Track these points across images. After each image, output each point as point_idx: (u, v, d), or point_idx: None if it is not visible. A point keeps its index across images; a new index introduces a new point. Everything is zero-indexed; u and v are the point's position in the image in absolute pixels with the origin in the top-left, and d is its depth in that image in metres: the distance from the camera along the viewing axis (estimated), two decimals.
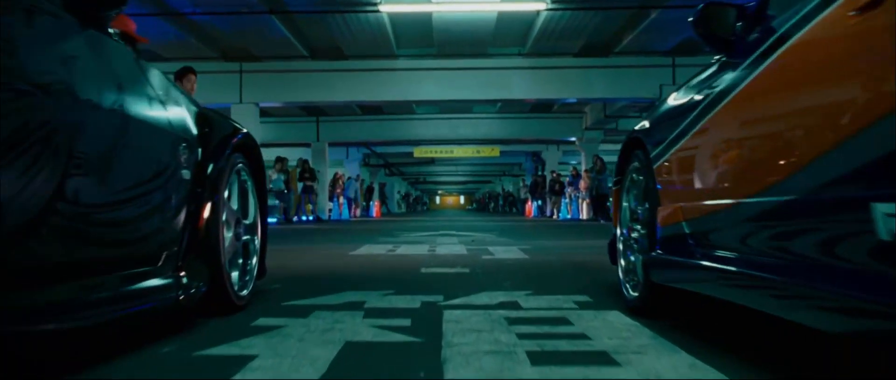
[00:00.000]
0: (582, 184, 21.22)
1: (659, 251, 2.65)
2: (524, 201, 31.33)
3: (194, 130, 2.76)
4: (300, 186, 19.70)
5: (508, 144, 26.94)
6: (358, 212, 28.57)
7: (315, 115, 21.81)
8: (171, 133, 2.51)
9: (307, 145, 23.87)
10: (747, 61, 2.03)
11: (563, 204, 22.57)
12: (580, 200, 21.88)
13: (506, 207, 44.24)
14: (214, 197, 2.74)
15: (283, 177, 18.25)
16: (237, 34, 14.06)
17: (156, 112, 2.42)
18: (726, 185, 2.09)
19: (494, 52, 15.82)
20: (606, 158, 29.16)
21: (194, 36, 14.08)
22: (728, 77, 2.14)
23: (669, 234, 2.56)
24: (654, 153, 2.78)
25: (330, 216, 20.93)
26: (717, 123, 2.18)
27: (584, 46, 15.01)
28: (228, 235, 2.95)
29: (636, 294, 2.97)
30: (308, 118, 22.39)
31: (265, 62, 15.24)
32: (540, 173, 33.71)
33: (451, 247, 7.69)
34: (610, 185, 18.59)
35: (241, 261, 3.14)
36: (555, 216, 24.33)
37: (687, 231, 2.40)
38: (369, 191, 30.23)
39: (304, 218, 19.91)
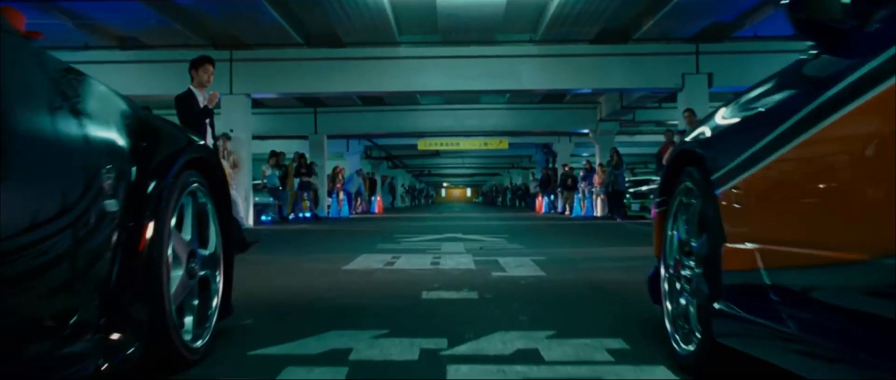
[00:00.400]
0: (596, 179, 20.70)
1: (726, 303, 2.11)
2: (534, 196, 30.78)
3: (127, 145, 2.24)
4: (297, 181, 19.21)
5: (518, 135, 26.46)
6: (362, 207, 28.09)
7: (313, 106, 21.34)
8: (87, 151, 1.98)
9: (304, 138, 23.43)
10: (873, 61, 1.49)
11: (576, 200, 22.04)
12: (594, 196, 21.36)
13: (515, 202, 43.71)
14: (157, 226, 2.23)
15: (278, 172, 17.77)
16: (226, 20, 13.59)
17: (64, 124, 1.89)
18: (841, 230, 1.55)
19: (504, 40, 15.41)
20: (622, 151, 28.80)
21: (180, 22, 13.59)
22: (843, 79, 1.59)
23: (741, 282, 2.04)
24: (718, 174, 2.24)
25: (328, 213, 20.40)
26: (825, 142, 1.64)
27: (601, 32, 14.50)
28: (178, 273, 2.46)
29: (690, 349, 2.45)
30: (305, 109, 21.91)
31: (257, 50, 14.74)
32: (551, 166, 33.26)
33: (457, 258, 7.17)
34: (627, 181, 18.43)
35: (197, 302, 2.64)
36: (567, 212, 23.86)
37: (768, 282, 1.88)
38: (371, 184, 29.70)
39: (301, 215, 19.42)
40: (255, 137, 19.49)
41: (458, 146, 27.79)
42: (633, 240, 10.09)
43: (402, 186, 48.80)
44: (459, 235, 10.96)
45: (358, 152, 30.40)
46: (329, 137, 24.34)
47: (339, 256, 7.47)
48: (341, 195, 23.46)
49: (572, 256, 7.43)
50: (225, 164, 13.70)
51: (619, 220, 17.38)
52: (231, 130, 14.86)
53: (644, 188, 20.12)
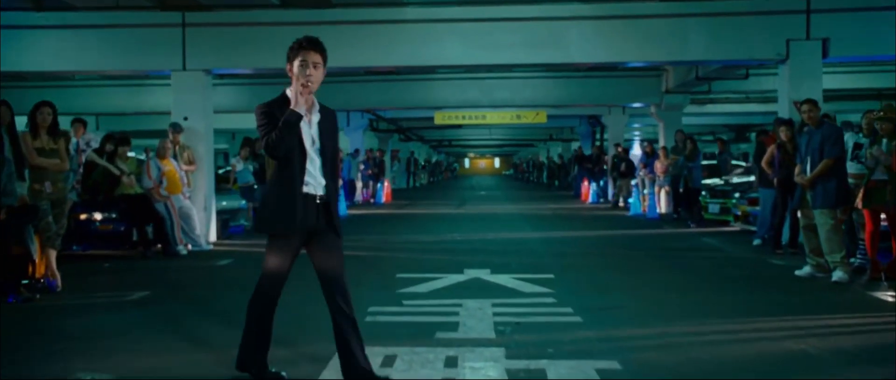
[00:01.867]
0: (658, 166, 19.02)
1: None
2: (579, 178, 29.15)
3: None
4: None
5: (559, 108, 25.14)
6: (366, 195, 26.78)
7: None
8: None
9: None
10: None
11: (634, 193, 20.28)
12: (657, 188, 19.62)
13: (553, 181, 42.09)
14: None
15: (252, 166, 16.15)
16: None
17: None
18: None
19: None
20: (688, 123, 27.37)
21: None
22: None
23: None
24: None
25: None
26: None
27: None
28: None
29: None
30: (289, 80, 20.18)
31: (219, 12, 13.33)
32: (598, 142, 31.59)
33: (482, 356, 5.30)
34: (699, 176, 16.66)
35: None
36: (621, 204, 22.21)
37: None
38: (378, 166, 28.13)
39: None
40: (219, 111, 18.03)
41: (484, 120, 26.49)
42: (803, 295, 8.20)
43: (415, 159, 47.17)
44: (485, 277, 9.12)
45: (361, 127, 29.21)
46: None
47: (286, 331, 5.63)
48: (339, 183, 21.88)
49: (697, 338, 5.51)
50: (175, 164, 12.01)
51: (692, 226, 15.68)
52: (185, 118, 13.24)
53: (727, 180, 18.23)
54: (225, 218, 14.50)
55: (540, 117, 25.98)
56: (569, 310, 7.30)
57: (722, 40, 12.89)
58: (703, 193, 16.64)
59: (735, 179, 18.26)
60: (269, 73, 18.21)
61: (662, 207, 19.95)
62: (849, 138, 9.77)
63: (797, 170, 9.36)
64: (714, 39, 12.89)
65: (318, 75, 4.59)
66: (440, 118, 25.87)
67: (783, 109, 12.61)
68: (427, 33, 13.18)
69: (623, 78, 20.70)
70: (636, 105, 22.56)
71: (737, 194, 15.37)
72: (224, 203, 14.84)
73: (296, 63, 4.56)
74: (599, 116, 28.76)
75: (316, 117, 4.67)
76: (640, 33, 12.96)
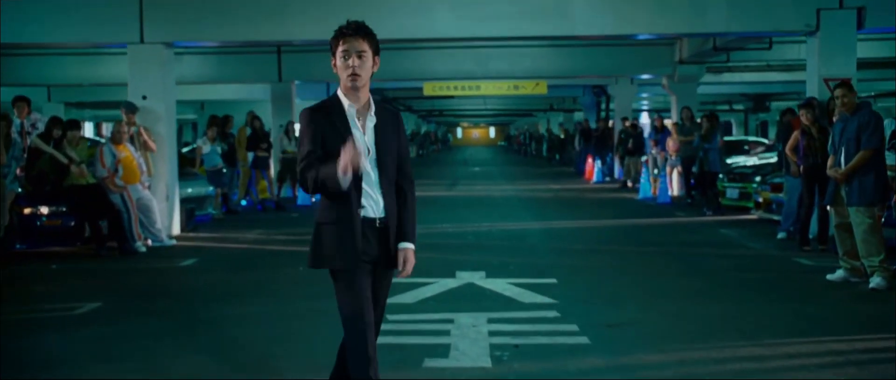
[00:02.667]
0: (671, 144, 18.79)
1: None
2: (583, 154, 28.94)
3: None
4: (251, 157, 17.37)
5: (561, 79, 25.00)
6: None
7: (276, 44, 19.35)
8: None
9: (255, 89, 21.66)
10: None
11: (644, 173, 20.04)
12: (669, 169, 19.40)
13: (553, 155, 41.86)
14: None
15: (220, 148, 15.86)
16: None
17: None
18: None
19: None
20: (703, 92, 27.12)
21: None
22: None
23: None
24: None
25: (296, 200, 18.55)
26: None
27: None
28: None
29: None
30: (265, 49, 19.98)
31: None
32: (603, 114, 31.34)
33: None
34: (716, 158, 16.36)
35: None
36: (629, 185, 21.98)
37: None
38: None
39: (247, 203, 17.55)
40: (182, 82, 17.73)
41: (479, 91, 26.31)
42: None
43: (414, 132, 46.89)
44: (480, 281, 8.82)
45: None
46: (299, 83, 23.20)
47: None
48: None
49: None
50: (131, 148, 11.70)
51: (708, 214, 15.46)
52: (144, 97, 12.94)
53: (747, 161, 18.00)
54: (190, 207, 14.19)
55: (540, 88, 25.63)
56: (574, 328, 7.04)
57: (744, 10, 12.54)
58: (720, 175, 16.38)
59: (756, 160, 18.01)
60: (237, 43, 17.96)
61: (675, 189, 19.70)
62: (888, 125, 9.47)
63: (830, 162, 9.06)
64: (735, 8, 12.54)
65: (366, 66, 4.11)
66: (430, 89, 25.53)
67: (811, 87, 12.30)
68: (415, 2, 12.81)
69: (632, 47, 20.39)
70: (646, 77, 22.22)
71: (758, 178, 15.11)
72: (189, 190, 14.52)
73: (337, 55, 4.12)
74: (605, 85, 28.55)
75: (371, 121, 4.17)
76: (654, 2, 12.63)
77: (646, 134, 23.31)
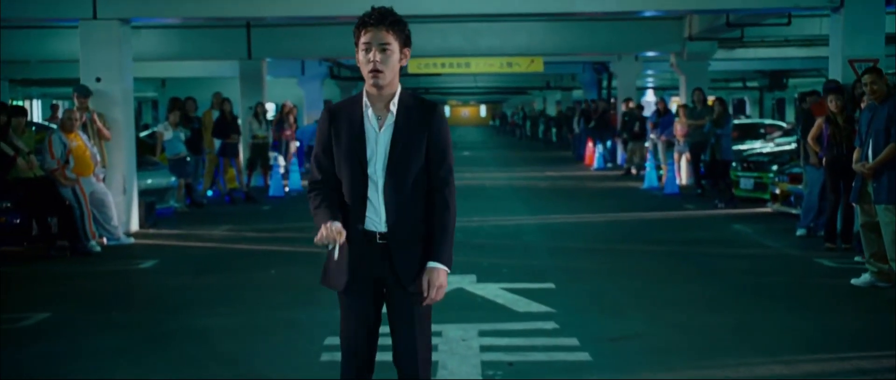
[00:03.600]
0: (678, 128, 18.80)
1: None
2: (583, 137, 28.95)
3: None
4: (217, 143, 17.29)
5: (559, 56, 25.21)
6: None
7: (245, 19, 19.25)
8: None
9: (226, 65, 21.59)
10: None
11: (649, 161, 20.00)
12: (676, 156, 19.39)
13: (549, 137, 41.92)
14: None
15: (183, 134, 15.77)
16: None
17: None
18: None
19: None
20: (715, 69, 27.03)
21: None
22: None
23: None
24: None
25: (268, 190, 18.47)
26: None
27: None
28: None
29: None
30: (233, 24, 19.90)
31: None
32: (604, 92, 31.36)
33: None
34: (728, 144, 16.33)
35: None
36: (633, 172, 21.98)
37: None
38: None
39: (213, 194, 17.70)
40: (140, 59, 17.63)
41: (468, 69, 26.30)
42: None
43: None
44: (470, 286, 8.77)
45: (319, 76, 29.08)
46: (271, 61, 23.25)
47: None
48: (292, 150, 21.56)
49: None
50: (84, 137, 11.60)
51: (720, 206, 15.47)
52: (98, 80, 12.85)
53: (763, 147, 17.97)
54: (150, 200, 14.11)
55: (535, 65, 25.58)
56: (574, 341, 7.00)
57: None
58: (733, 164, 16.36)
59: (772, 147, 18.00)
60: (198, 18, 17.85)
61: (683, 178, 19.67)
62: None
63: (856, 155, 9.01)
64: None
65: (390, 62, 3.94)
66: (414, 67, 25.44)
67: (835, 69, 12.27)
68: None
69: (636, 21, 20.39)
70: (651, 54, 22.19)
71: (774, 167, 15.09)
72: (149, 181, 14.47)
73: (359, 47, 3.97)
74: (607, 62, 28.52)
75: (389, 120, 3.99)
76: None
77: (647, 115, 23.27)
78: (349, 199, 4.00)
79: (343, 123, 4.01)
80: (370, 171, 3.98)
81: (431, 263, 4.02)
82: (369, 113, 4.00)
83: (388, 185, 3.98)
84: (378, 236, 4.01)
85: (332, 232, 3.89)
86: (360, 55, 3.97)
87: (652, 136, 20.89)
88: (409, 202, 4.01)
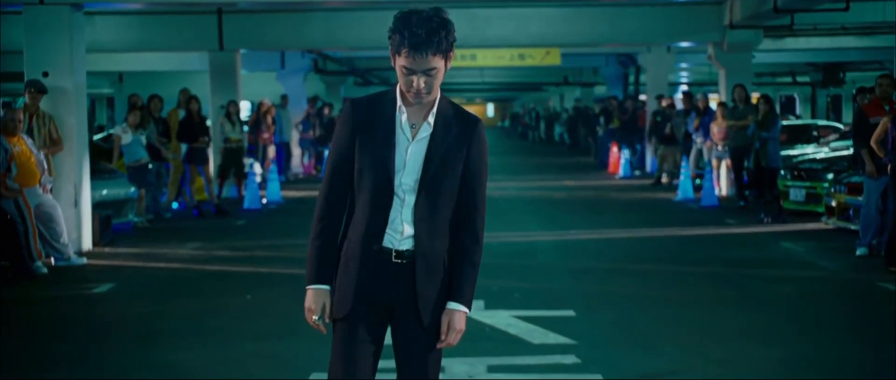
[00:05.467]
0: (715, 130, 18.87)
1: None
2: (606, 140, 29.12)
3: None
4: (184, 148, 17.36)
5: (579, 47, 25.70)
6: (310, 166, 26.91)
7: (216, 4, 19.36)
8: None
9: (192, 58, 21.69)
10: None
11: (683, 167, 20.03)
12: (715, 162, 19.44)
13: (568, 141, 42.13)
14: None
15: (144, 137, 15.86)
16: None
17: None
18: None
19: None
20: (761, 61, 27.06)
21: None
22: None
23: None
24: None
25: (243, 202, 18.53)
26: None
27: None
28: None
29: None
30: (202, 8, 19.94)
31: None
32: (631, 90, 31.48)
33: None
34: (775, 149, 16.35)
35: None
36: (665, 181, 22.05)
37: None
38: (328, 126, 27.91)
39: (179, 207, 17.79)
40: (94, 49, 17.70)
41: (474, 62, 26.49)
42: None
43: None
44: (478, 314, 8.80)
45: (302, 70, 29.31)
46: (245, 53, 23.50)
47: None
48: (270, 158, 21.69)
49: None
50: (29, 142, 11.64)
51: (766, 220, 15.54)
52: (45, 74, 12.91)
53: (816, 153, 17.97)
54: (106, 214, 14.15)
55: (551, 58, 25.76)
56: (598, 379, 6.98)
57: None
58: (782, 171, 16.39)
59: (827, 152, 18.01)
60: (162, 3, 17.97)
61: (723, 188, 19.69)
62: None
63: None
64: None
65: (435, 84, 3.88)
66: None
67: None
68: None
69: (669, 7, 20.56)
70: (686, 45, 22.26)
71: (830, 176, 15.09)
72: (104, 192, 14.60)
73: (397, 63, 3.87)
74: (635, 54, 28.61)
75: (425, 130, 3.97)
76: None
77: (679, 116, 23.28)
78: (368, 211, 3.95)
79: (370, 122, 3.96)
80: (396, 184, 3.94)
81: (452, 305, 4.00)
82: (403, 118, 3.95)
83: (418, 205, 3.95)
84: (394, 254, 3.97)
85: (313, 323, 3.97)
86: (399, 73, 3.89)
87: (697, 140, 20.83)
88: (438, 226, 3.99)
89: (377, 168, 3.92)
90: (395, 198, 3.94)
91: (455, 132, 3.97)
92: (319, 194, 4.02)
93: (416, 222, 3.94)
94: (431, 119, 3.95)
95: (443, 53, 3.84)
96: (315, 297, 3.97)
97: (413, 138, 3.95)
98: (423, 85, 3.84)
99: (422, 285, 3.96)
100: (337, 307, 4.00)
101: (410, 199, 3.94)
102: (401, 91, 3.95)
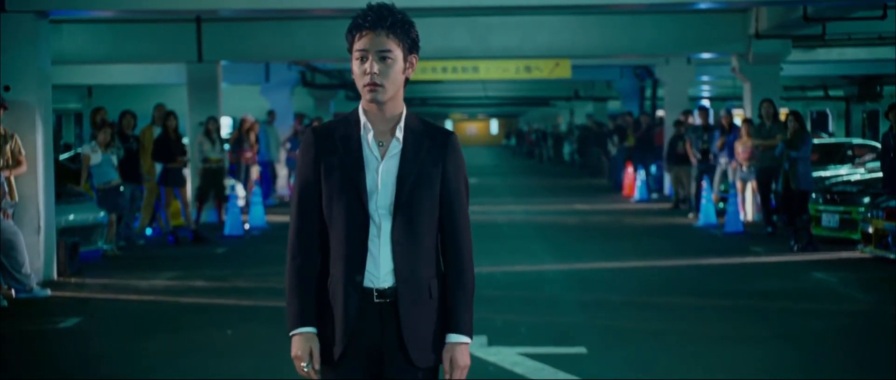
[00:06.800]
0: (740, 149, 18.94)
1: None
2: (620, 160, 29.20)
3: None
4: (159, 168, 17.39)
5: (591, 59, 25.82)
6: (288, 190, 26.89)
7: (194, 12, 19.46)
8: None
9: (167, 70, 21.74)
10: None
11: (705, 191, 20.02)
12: (740, 184, 19.49)
13: (578, 160, 42.26)
14: None
15: (115, 156, 15.85)
16: None
17: None
18: None
19: None
20: (789, 73, 27.07)
21: None
22: None
23: None
24: None
25: (224, 228, 18.54)
26: None
27: None
28: None
29: None
30: (178, 16, 20.01)
31: None
32: (648, 106, 31.58)
33: None
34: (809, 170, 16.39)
35: None
36: (678, 203, 22.12)
37: None
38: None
39: (153, 233, 17.78)
40: (60, 61, 17.74)
41: (477, 74, 26.61)
42: None
43: None
44: (480, 351, 8.79)
45: (288, 83, 29.47)
46: (227, 65, 23.55)
47: None
48: (253, 179, 21.73)
49: None
50: None
51: (796, 248, 15.61)
52: (6, 88, 13.05)
53: (851, 174, 17.98)
54: (73, 241, 14.14)
55: (561, 70, 25.88)
56: None
57: None
58: (813, 195, 16.39)
59: (862, 173, 18.03)
60: (136, 11, 18.00)
61: (748, 213, 19.68)
62: None
63: None
64: None
65: (391, 73, 3.90)
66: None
67: None
68: None
69: (689, 15, 20.60)
70: (707, 56, 22.29)
71: (866, 200, 15.09)
72: (71, 216, 14.61)
73: (352, 56, 3.95)
74: (651, 66, 28.69)
75: (395, 147, 3.99)
76: None
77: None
78: (345, 243, 3.94)
79: (335, 148, 3.96)
80: (371, 208, 3.94)
81: (452, 337, 3.98)
82: (369, 137, 3.96)
83: (395, 229, 3.94)
84: (376, 294, 3.95)
85: (303, 372, 3.95)
86: (355, 66, 3.94)
87: (722, 160, 20.81)
88: (419, 252, 3.97)
89: (348, 193, 3.92)
90: (371, 224, 3.93)
91: (427, 147, 3.99)
92: (289, 232, 4.00)
93: (395, 248, 3.93)
94: (400, 134, 3.96)
95: (399, 40, 3.89)
96: (301, 343, 3.94)
97: (383, 157, 3.95)
98: (376, 69, 3.86)
99: (406, 318, 3.94)
100: (326, 352, 3.98)
101: (387, 224, 3.93)
102: (364, 109, 3.96)
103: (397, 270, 3.93)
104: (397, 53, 3.90)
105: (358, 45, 3.90)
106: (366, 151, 3.95)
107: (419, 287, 3.95)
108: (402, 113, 3.99)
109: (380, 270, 3.93)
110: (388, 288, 3.93)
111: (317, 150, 3.96)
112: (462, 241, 4.03)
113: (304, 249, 3.99)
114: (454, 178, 4.01)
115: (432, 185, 3.97)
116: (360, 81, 3.91)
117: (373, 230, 3.93)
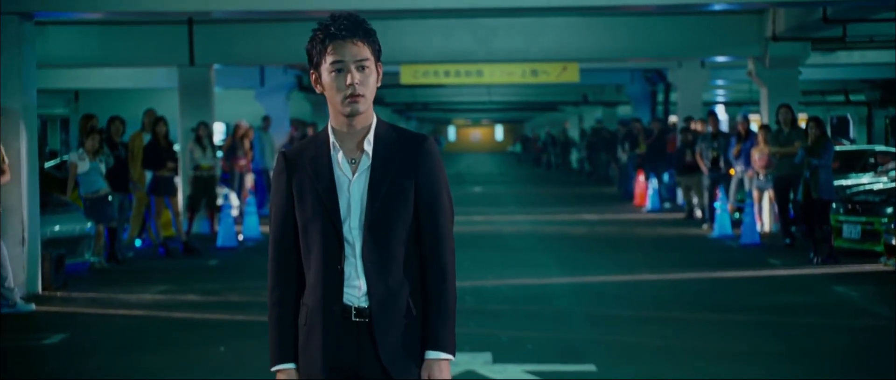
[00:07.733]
0: (756, 157, 18.89)
1: None
2: (630, 168, 29.22)
3: None
4: (149, 177, 17.40)
5: (600, 62, 25.79)
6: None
7: (186, 14, 19.50)
8: None
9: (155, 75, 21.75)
10: None
11: (720, 201, 20.02)
12: (757, 193, 19.50)
13: (582, 166, 42.33)
14: None
15: (103, 164, 15.85)
16: None
17: None
18: None
19: None
20: (807, 78, 27.06)
21: None
22: None
23: None
24: None
25: (216, 239, 18.54)
26: None
27: None
28: None
29: None
30: (169, 18, 20.04)
31: None
32: (659, 113, 31.61)
33: None
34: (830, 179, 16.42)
35: None
36: (699, 214, 22.03)
37: None
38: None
39: (143, 244, 17.87)
40: (45, 65, 17.79)
41: (480, 79, 26.63)
42: None
43: None
44: (484, 369, 8.82)
45: (284, 87, 29.41)
46: (219, 68, 23.60)
47: None
48: (247, 188, 21.73)
49: None
50: None
51: (816, 261, 15.60)
52: None
53: (873, 183, 17.98)
54: (58, 253, 14.17)
55: (569, 74, 25.87)
56: None
57: None
58: (834, 205, 16.40)
59: (885, 182, 18.03)
60: (125, 13, 18.04)
61: (766, 224, 19.67)
62: None
63: None
64: None
65: (369, 82, 3.95)
66: (409, 76, 25.77)
67: None
68: None
69: (703, 17, 20.65)
70: (722, 59, 22.30)
71: (889, 210, 15.10)
72: (57, 227, 14.64)
73: (324, 68, 3.94)
74: (664, 69, 28.70)
75: (365, 162, 4.00)
76: None
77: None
78: (321, 270, 3.97)
79: (305, 172, 3.99)
80: (345, 231, 3.95)
81: (430, 354, 3.99)
82: (339, 156, 3.98)
83: (367, 246, 3.95)
84: (354, 313, 3.97)
85: None
86: (328, 78, 3.93)
87: (738, 167, 20.81)
88: (396, 268, 3.99)
89: (322, 217, 3.95)
90: (346, 247, 3.95)
91: (399, 156, 4.00)
92: (269, 262, 4.03)
93: (367, 266, 3.95)
94: (368, 147, 3.98)
95: (371, 48, 3.92)
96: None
97: (354, 174, 3.98)
98: (357, 78, 3.89)
99: (382, 339, 3.96)
100: (306, 374, 4.00)
101: (357, 245, 3.96)
102: (333, 128, 3.98)
103: (371, 291, 3.95)
104: (372, 62, 3.94)
105: (332, 56, 3.90)
106: (337, 172, 3.97)
107: (396, 306, 3.97)
108: (371, 124, 4.01)
109: (356, 292, 3.96)
110: (365, 308, 3.96)
111: (288, 175, 3.99)
112: (442, 251, 4.02)
113: (282, 279, 4.03)
114: (430, 184, 4.01)
115: (406, 197, 3.99)
116: (339, 95, 3.91)
117: (348, 251, 3.96)
